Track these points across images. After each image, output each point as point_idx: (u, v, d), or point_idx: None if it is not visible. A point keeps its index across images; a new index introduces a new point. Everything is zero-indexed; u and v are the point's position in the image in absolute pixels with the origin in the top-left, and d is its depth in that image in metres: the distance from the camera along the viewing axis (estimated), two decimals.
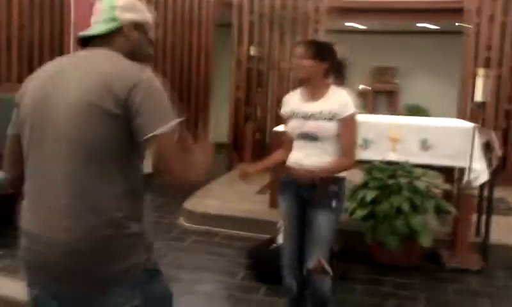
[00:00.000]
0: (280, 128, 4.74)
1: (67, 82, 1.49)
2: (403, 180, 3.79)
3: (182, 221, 4.95)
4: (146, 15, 1.66)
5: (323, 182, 2.58)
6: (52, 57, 1.70)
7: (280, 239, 3.70)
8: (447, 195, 4.52)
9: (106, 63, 1.51)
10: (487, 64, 6.57)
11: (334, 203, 2.62)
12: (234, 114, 7.36)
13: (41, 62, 6.40)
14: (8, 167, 1.66)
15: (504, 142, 6.60)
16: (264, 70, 7.23)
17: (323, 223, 2.60)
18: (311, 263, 2.61)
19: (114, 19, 1.59)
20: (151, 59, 1.71)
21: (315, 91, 2.64)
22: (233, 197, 5.44)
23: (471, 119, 6.52)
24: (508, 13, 6.45)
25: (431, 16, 8.12)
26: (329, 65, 2.65)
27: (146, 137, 1.41)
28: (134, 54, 1.59)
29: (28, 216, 1.51)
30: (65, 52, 6.52)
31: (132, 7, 1.62)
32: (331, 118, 2.55)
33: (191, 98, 8.19)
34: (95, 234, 1.43)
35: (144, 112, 1.42)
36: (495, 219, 4.46)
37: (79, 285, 1.47)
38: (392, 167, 3.96)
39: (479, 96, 3.75)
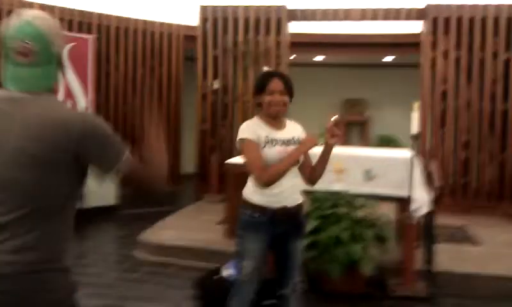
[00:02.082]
0: (236, 160, 4.85)
1: (8, 127, 1.47)
2: (342, 210, 3.89)
3: (137, 253, 4.99)
4: (63, 35, 1.64)
5: (298, 211, 2.74)
6: None
7: (230, 271, 3.77)
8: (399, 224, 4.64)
9: (54, 109, 1.53)
10: (443, 97, 6.79)
11: (303, 229, 2.87)
12: (200, 145, 7.48)
13: None
14: None
15: (464, 172, 6.78)
16: (229, 102, 7.39)
17: (299, 250, 2.80)
18: (291, 287, 2.79)
19: (52, 58, 1.57)
20: None
21: (278, 122, 2.69)
22: (193, 227, 5.51)
23: (430, 150, 6.72)
24: (461, 48, 6.70)
25: (393, 50, 8.40)
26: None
27: (111, 172, 1.53)
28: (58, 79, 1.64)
29: None
30: None
31: (59, 37, 1.59)
32: (299, 143, 2.68)
33: (160, 128, 8.30)
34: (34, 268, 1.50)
35: (98, 153, 1.52)
36: (449, 248, 4.58)
37: None
38: (334, 197, 4.07)
39: (414, 129, 3.89)
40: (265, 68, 6.56)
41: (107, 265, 4.85)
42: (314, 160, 2.75)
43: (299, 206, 2.75)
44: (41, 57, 1.53)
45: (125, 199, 6.84)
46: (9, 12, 6.65)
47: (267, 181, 2.56)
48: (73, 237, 1.64)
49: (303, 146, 2.60)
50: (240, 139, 2.63)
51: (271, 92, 2.61)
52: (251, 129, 2.64)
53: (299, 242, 2.79)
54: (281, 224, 2.68)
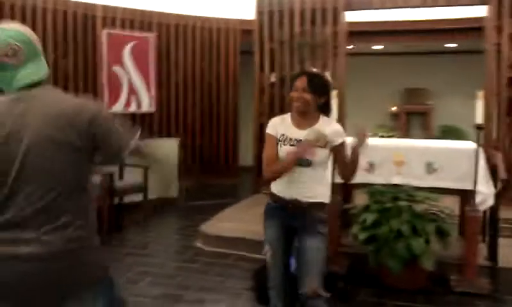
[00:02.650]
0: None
1: (29, 120, 1.62)
2: (403, 203, 3.81)
3: (197, 243, 5.13)
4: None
5: (312, 209, 2.69)
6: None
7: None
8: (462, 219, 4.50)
9: (59, 101, 1.69)
10: (510, 83, 6.47)
11: (322, 229, 2.72)
12: (258, 138, 7.53)
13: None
14: None
15: None
16: (286, 95, 7.38)
17: (314, 250, 2.70)
18: (306, 289, 2.70)
19: (39, 53, 1.72)
20: None
21: (306, 120, 2.72)
22: (251, 219, 5.57)
23: (495, 140, 6.44)
24: None
25: (455, 36, 8.08)
26: (325, 100, 2.75)
27: (120, 154, 1.73)
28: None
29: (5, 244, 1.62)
30: (98, 84, 6.96)
31: (35, 36, 1.74)
32: (322, 146, 2.64)
33: (220, 123, 8.48)
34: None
35: (107, 134, 1.70)
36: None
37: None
38: (394, 190, 4.00)
39: (478, 118, 3.74)
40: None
41: (168, 255, 5.02)
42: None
43: (314, 205, 2.70)
44: (27, 55, 1.68)
45: (186, 192, 7.04)
46: (85, 15, 6.99)
47: (267, 178, 2.76)
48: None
49: (293, 153, 2.62)
50: (266, 132, 2.81)
51: (295, 89, 2.72)
52: (273, 124, 2.79)
53: (312, 240, 2.70)
54: (294, 217, 2.72)
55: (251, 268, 4.27)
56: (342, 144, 2.73)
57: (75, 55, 7.15)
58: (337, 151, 2.73)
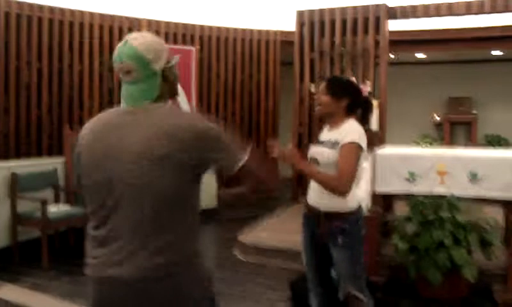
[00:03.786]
0: None
1: (132, 135, 1.59)
2: (445, 214, 3.74)
3: (237, 253, 5.17)
4: (167, 51, 1.73)
5: (329, 219, 2.68)
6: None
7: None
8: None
9: (168, 116, 1.64)
10: None
11: (340, 239, 2.65)
12: (297, 148, 7.53)
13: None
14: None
15: None
16: None
17: (338, 258, 2.71)
18: (341, 294, 2.75)
19: (154, 73, 1.67)
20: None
21: (333, 123, 2.76)
22: (290, 230, 5.57)
23: None
24: None
25: (502, 44, 7.87)
26: (348, 102, 2.73)
27: (233, 171, 1.63)
28: (171, 91, 1.75)
29: (105, 264, 1.60)
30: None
31: (159, 54, 1.68)
32: (331, 146, 2.65)
33: (260, 133, 8.54)
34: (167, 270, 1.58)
35: (220, 154, 1.63)
36: None
37: None
38: (436, 201, 3.92)
39: None
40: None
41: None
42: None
43: (331, 215, 2.66)
44: (140, 73, 1.65)
45: (225, 202, 7.10)
46: (130, 29, 7.22)
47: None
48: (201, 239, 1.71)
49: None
50: None
51: (316, 93, 2.79)
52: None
53: (336, 249, 2.69)
54: (317, 225, 2.72)
55: (289, 278, 4.29)
56: (345, 145, 2.60)
57: None
58: (339, 151, 2.62)
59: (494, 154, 4.37)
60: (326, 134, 2.77)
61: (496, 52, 9.16)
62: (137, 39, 1.67)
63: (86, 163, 1.66)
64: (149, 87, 1.67)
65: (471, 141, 10.13)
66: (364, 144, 2.65)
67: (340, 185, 2.54)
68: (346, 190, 2.56)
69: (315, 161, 2.69)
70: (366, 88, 6.37)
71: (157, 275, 1.55)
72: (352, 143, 2.59)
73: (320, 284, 2.87)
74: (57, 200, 5.48)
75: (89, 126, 1.72)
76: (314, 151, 2.76)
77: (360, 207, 2.77)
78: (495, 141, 9.66)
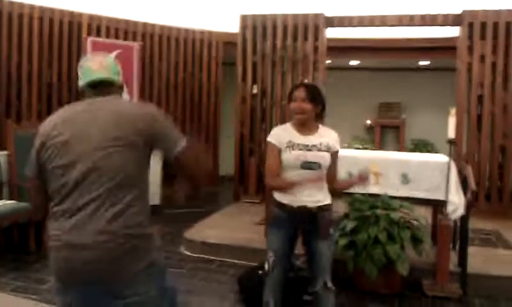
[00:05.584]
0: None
1: (98, 120, 1.87)
2: (380, 212, 4.06)
3: (182, 249, 5.28)
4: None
5: (321, 212, 2.88)
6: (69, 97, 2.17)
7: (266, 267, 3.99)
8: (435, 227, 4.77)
9: (126, 105, 2.06)
10: (480, 101, 6.85)
11: (331, 230, 2.96)
12: (239, 148, 7.73)
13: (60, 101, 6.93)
14: (33, 200, 2.04)
15: (500, 176, 6.82)
16: (267, 106, 7.63)
17: (325, 250, 2.91)
18: (318, 287, 2.94)
19: (118, 73, 2.10)
20: None
21: (307, 128, 2.92)
22: (234, 227, 5.76)
23: (465, 154, 6.79)
24: (498, 53, 6.74)
25: (429, 54, 8.47)
26: (321, 108, 2.95)
27: (175, 153, 1.89)
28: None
29: (71, 232, 1.81)
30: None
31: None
32: (327, 150, 2.88)
33: (201, 132, 8.64)
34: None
35: (166, 137, 1.91)
36: (482, 251, 4.64)
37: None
38: (372, 199, 4.25)
39: (451, 133, 4.03)
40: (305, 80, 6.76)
41: None
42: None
43: (322, 207, 2.88)
44: (113, 71, 2.10)
45: (169, 199, 7.16)
46: (70, 23, 7.06)
47: (269, 188, 3.01)
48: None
49: (290, 184, 2.81)
50: (267, 141, 2.96)
51: (294, 99, 2.90)
52: (276, 133, 2.95)
53: (324, 242, 2.90)
54: (301, 223, 2.89)
55: (236, 273, 4.46)
56: (337, 153, 2.95)
57: (60, 63, 7.23)
58: (332, 157, 2.91)
59: (424, 157, 4.76)
60: (306, 139, 2.89)
61: (424, 62, 9.83)
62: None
63: (54, 150, 1.87)
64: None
65: (399, 144, 10.76)
66: None
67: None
68: None
69: (313, 166, 2.84)
70: None
71: (115, 239, 1.79)
72: (338, 151, 2.98)
73: (283, 285, 3.04)
74: (0, 195, 5.33)
75: (53, 119, 1.95)
76: (311, 155, 2.85)
77: None
78: (421, 145, 10.34)
